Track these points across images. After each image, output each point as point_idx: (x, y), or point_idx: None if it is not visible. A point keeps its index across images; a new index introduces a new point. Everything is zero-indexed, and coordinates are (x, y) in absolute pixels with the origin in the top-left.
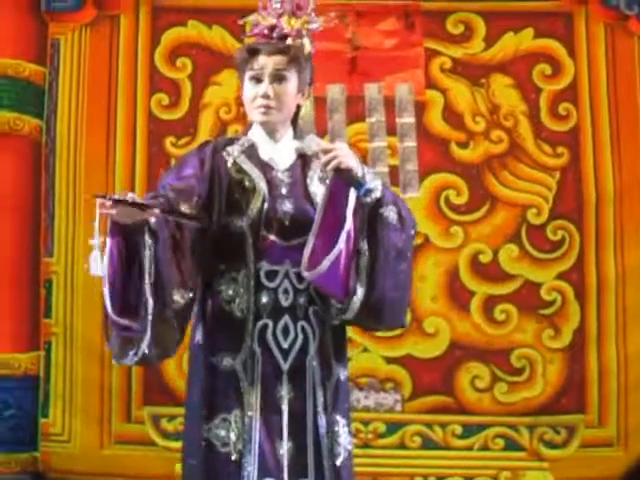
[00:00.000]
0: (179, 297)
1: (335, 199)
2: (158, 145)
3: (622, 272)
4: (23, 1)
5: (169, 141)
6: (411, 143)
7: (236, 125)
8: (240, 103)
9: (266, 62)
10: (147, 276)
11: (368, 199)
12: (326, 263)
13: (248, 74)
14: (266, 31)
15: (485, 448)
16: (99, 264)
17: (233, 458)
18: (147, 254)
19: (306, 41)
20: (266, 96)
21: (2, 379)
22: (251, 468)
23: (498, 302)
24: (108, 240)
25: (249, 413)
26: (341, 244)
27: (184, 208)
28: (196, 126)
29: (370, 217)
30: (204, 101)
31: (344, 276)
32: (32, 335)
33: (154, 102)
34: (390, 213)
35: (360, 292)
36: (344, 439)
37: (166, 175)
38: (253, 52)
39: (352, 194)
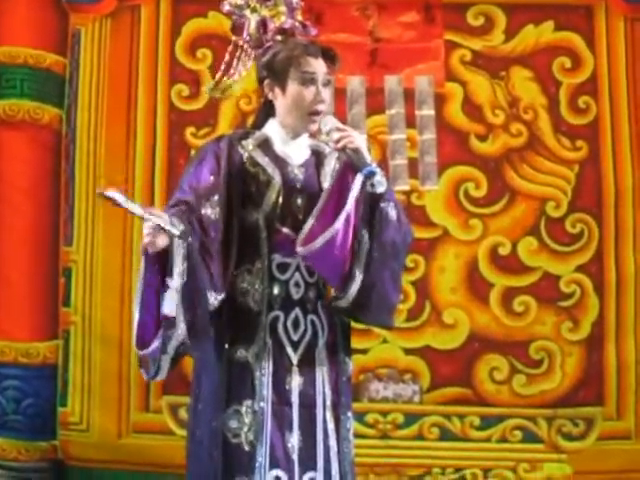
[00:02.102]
0: (212, 299)
1: (341, 185)
2: (178, 135)
3: None
4: None
5: (189, 132)
6: (430, 135)
7: None
8: (260, 95)
9: (317, 66)
10: (177, 277)
11: (372, 189)
12: (320, 240)
13: (299, 75)
14: (301, 29)
15: (503, 440)
16: (174, 304)
17: (245, 449)
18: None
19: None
20: (324, 102)
21: (21, 368)
22: (262, 459)
23: (517, 294)
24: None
25: (261, 404)
26: (338, 225)
27: (207, 209)
28: (216, 117)
29: (371, 209)
30: None
31: (340, 260)
32: (51, 324)
33: (174, 93)
34: (391, 210)
35: (358, 278)
36: (351, 434)
37: (185, 175)
38: (308, 53)
39: (357, 179)
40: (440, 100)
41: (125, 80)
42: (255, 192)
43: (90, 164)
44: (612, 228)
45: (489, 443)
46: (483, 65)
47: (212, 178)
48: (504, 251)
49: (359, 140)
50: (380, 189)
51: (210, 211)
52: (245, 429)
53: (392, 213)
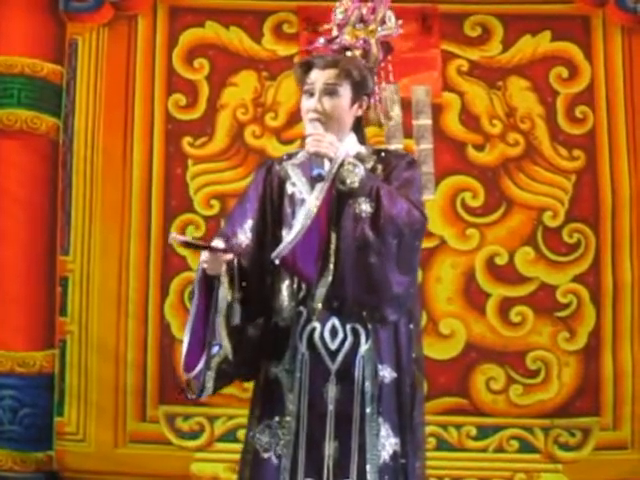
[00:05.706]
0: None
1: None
2: (175, 145)
3: (638, 275)
4: (41, 1)
5: (186, 141)
6: (427, 145)
7: (253, 126)
8: (257, 105)
9: (317, 76)
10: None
11: (338, 186)
12: (287, 246)
13: (303, 89)
14: (324, 44)
15: (500, 450)
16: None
17: (274, 463)
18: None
19: (374, 50)
20: (315, 110)
21: (17, 377)
22: (288, 473)
23: (514, 304)
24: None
25: (288, 418)
26: (302, 230)
27: (240, 235)
28: (213, 127)
29: (339, 208)
30: (221, 102)
31: (310, 262)
32: (47, 333)
33: (171, 102)
34: (361, 206)
35: (325, 280)
36: (387, 442)
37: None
38: (307, 67)
39: (321, 184)
40: (437, 110)
41: (122, 89)
42: (290, 211)
43: (87, 173)
44: (609, 238)
45: (486, 453)
46: (480, 75)
47: (248, 205)
48: (501, 261)
49: (320, 144)
50: (348, 186)
51: (243, 237)
52: (274, 443)
53: (362, 209)
